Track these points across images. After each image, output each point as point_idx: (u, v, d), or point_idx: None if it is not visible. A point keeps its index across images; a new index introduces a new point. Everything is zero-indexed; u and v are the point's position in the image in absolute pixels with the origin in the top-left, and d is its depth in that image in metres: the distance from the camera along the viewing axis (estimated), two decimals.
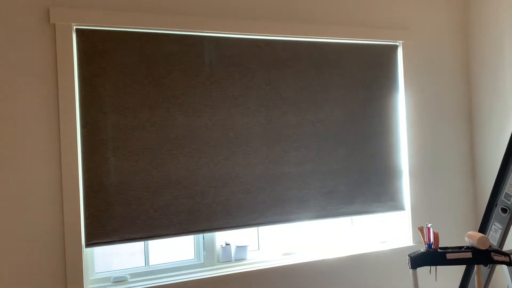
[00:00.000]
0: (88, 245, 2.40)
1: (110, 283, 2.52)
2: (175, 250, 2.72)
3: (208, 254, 2.73)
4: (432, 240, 2.16)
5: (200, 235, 2.73)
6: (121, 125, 2.45)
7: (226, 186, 2.65)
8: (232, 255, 2.81)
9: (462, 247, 2.18)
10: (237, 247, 2.80)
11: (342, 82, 2.95)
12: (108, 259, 2.59)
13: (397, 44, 3.14)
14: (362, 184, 2.99)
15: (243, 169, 2.69)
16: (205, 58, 2.62)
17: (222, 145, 2.64)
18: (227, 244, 2.78)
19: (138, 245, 2.64)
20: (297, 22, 2.82)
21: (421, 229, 2.20)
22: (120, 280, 2.54)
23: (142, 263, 2.65)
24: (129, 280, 2.57)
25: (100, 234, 2.41)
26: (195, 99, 2.59)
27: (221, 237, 2.82)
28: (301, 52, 2.85)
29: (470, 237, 2.18)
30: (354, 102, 2.98)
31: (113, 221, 2.43)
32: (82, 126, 2.39)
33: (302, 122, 2.83)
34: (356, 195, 2.97)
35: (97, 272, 2.57)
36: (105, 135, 2.42)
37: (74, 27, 2.38)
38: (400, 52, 3.14)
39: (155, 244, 2.68)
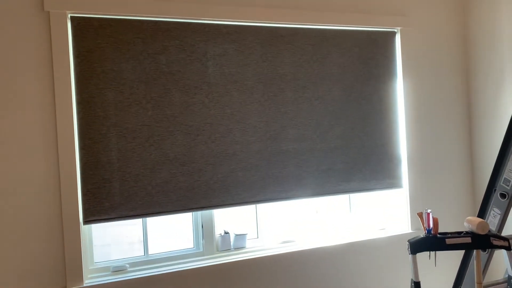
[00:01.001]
0: (86, 222, 2.39)
1: (109, 272, 2.53)
2: (174, 239, 2.70)
3: (207, 243, 2.74)
4: (431, 225, 2.17)
5: (199, 222, 2.73)
6: (117, 101, 2.44)
7: (224, 163, 2.64)
8: (231, 243, 2.82)
9: (461, 232, 2.20)
10: (236, 235, 2.80)
11: (340, 60, 2.93)
12: (107, 249, 2.60)
13: (395, 30, 3.11)
14: (360, 162, 2.99)
15: (240, 146, 2.68)
16: (202, 36, 2.59)
17: (219, 122, 2.63)
18: (226, 233, 2.78)
19: (137, 235, 2.63)
20: (293, 9, 2.79)
21: (420, 215, 2.21)
22: (119, 270, 2.54)
23: (141, 252, 2.65)
24: (129, 269, 2.57)
25: (98, 211, 2.41)
26: (191, 76, 2.57)
27: (220, 226, 2.82)
28: (298, 32, 2.82)
29: (469, 222, 2.19)
30: (352, 81, 2.96)
31: (110, 198, 2.43)
32: (78, 103, 2.37)
33: (300, 100, 2.82)
34: (354, 172, 2.97)
35: (96, 262, 2.57)
36: (101, 112, 2.41)
37: (69, 15, 2.35)
38: (398, 39, 3.12)
39: (154, 233, 2.67)
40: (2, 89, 2.25)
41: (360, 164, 2.99)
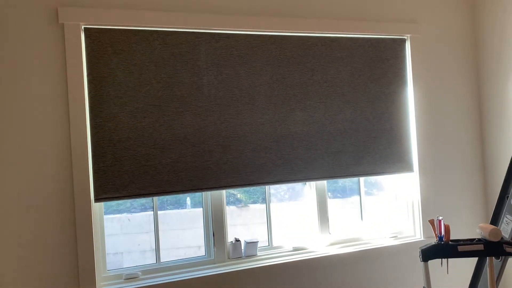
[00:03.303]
0: (97, 199, 2.43)
1: (122, 280, 2.55)
2: (185, 247, 2.72)
3: (219, 251, 2.75)
4: (443, 232, 2.15)
5: (211, 230, 2.73)
6: (127, 81, 2.48)
7: (233, 144, 2.67)
8: (243, 251, 2.81)
9: (473, 239, 2.17)
10: (247, 243, 2.79)
11: (348, 43, 2.95)
12: (119, 257, 2.61)
13: (405, 38, 3.12)
14: (370, 145, 2.98)
15: (249, 128, 2.70)
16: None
17: (229, 103, 2.66)
18: (237, 240, 2.78)
19: (149, 243, 2.64)
20: (302, 17, 2.81)
21: (432, 222, 2.19)
22: (132, 277, 2.56)
23: (153, 260, 2.66)
24: (141, 277, 2.59)
25: (109, 188, 2.45)
26: (200, 57, 2.61)
27: (231, 233, 2.82)
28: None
29: (482, 229, 2.16)
30: (361, 64, 2.98)
31: (121, 176, 2.46)
32: (90, 82, 2.42)
33: (309, 82, 2.84)
34: (364, 156, 2.97)
35: (108, 269, 2.59)
36: (113, 91, 2.46)
37: (83, 27, 2.42)
38: (408, 46, 3.12)
39: (165, 242, 2.68)
40: (14, 70, 2.32)
41: (370, 147, 2.98)
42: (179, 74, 2.57)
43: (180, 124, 2.57)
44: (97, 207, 2.54)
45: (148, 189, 2.51)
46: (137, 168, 2.49)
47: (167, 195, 2.57)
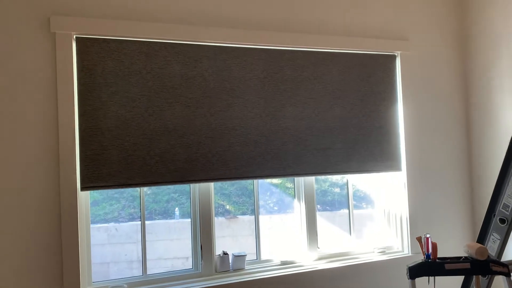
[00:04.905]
0: (84, 188, 2.40)
1: None
2: (173, 258, 2.69)
3: (206, 263, 2.71)
4: (430, 250, 2.17)
5: (198, 242, 2.70)
6: (117, 70, 2.47)
7: (223, 137, 2.65)
8: (230, 264, 2.77)
9: (460, 257, 2.19)
10: (235, 256, 2.75)
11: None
12: (105, 268, 2.57)
13: (395, 54, 3.14)
14: (359, 143, 2.98)
15: (239, 121, 2.69)
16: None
17: (219, 96, 2.66)
18: (225, 253, 2.75)
19: (136, 254, 2.60)
20: (291, 32, 2.81)
21: (419, 239, 2.21)
22: None
23: (139, 272, 2.62)
24: None
25: (96, 177, 2.41)
26: (191, 49, 2.61)
27: (219, 245, 2.78)
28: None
29: (469, 247, 2.19)
30: (351, 63, 3.00)
31: (109, 165, 2.43)
32: (79, 70, 2.41)
33: (299, 78, 2.84)
34: (353, 153, 2.96)
35: (94, 281, 2.54)
36: (102, 80, 2.44)
37: (74, 36, 2.42)
38: (398, 63, 3.14)
39: (152, 252, 2.64)
40: (3, 58, 2.31)
41: (359, 145, 2.98)
42: (170, 65, 2.57)
43: (170, 115, 2.55)
44: (83, 198, 2.50)
45: (136, 179, 2.48)
46: (124, 158, 2.46)
47: (155, 185, 2.54)
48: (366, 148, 3.00)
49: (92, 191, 2.56)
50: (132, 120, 2.49)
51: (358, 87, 3.00)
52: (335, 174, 2.92)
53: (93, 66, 2.44)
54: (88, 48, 2.43)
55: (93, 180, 2.41)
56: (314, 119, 2.87)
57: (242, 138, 2.69)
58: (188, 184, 2.71)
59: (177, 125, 2.56)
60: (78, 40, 2.41)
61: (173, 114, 2.56)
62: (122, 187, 2.47)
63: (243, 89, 2.71)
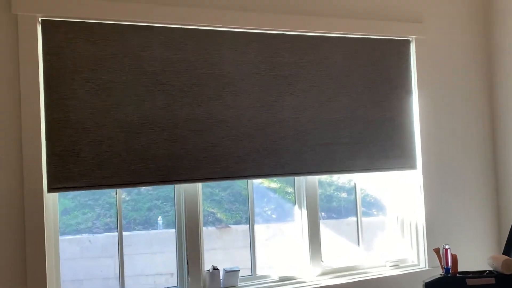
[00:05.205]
0: (51, 189, 2.15)
1: None
2: (155, 275, 2.55)
3: (193, 280, 2.44)
4: (450, 263, 2.10)
5: (184, 256, 2.46)
6: (89, 53, 2.22)
7: (212, 130, 2.42)
8: (221, 281, 2.52)
9: (484, 271, 2.14)
10: (227, 271, 2.52)
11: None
12: (77, 286, 2.43)
13: (409, 39, 2.89)
14: (367, 137, 2.75)
15: (231, 112, 2.46)
16: None
17: (207, 83, 2.42)
18: (215, 269, 2.50)
19: (113, 269, 2.42)
20: (296, 15, 2.58)
21: (437, 251, 2.13)
22: None
23: None
24: None
25: (65, 177, 2.16)
26: (175, 29, 2.38)
27: (209, 259, 2.56)
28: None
29: (493, 260, 2.14)
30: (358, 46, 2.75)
31: (80, 163, 2.19)
32: (45, 53, 2.16)
33: (300, 63, 2.61)
34: (361, 149, 2.73)
35: None
36: (72, 64, 2.19)
37: (40, 19, 2.17)
38: (412, 49, 2.90)
39: (131, 268, 2.45)
40: None
41: (368, 139, 2.75)
42: (150, 47, 2.32)
43: (150, 105, 2.31)
44: (50, 200, 2.25)
45: (111, 180, 2.23)
46: (98, 155, 2.22)
47: (133, 186, 2.32)
48: (376, 143, 2.77)
49: (62, 198, 2.35)
50: (106, 111, 2.24)
51: (366, 72, 2.77)
52: (341, 173, 2.72)
53: (61, 49, 2.17)
54: (56, 27, 2.17)
55: (62, 180, 2.16)
56: (317, 110, 2.64)
57: (234, 132, 2.46)
58: (173, 189, 2.50)
59: (159, 116, 2.33)
60: (44, 22, 2.16)
61: (154, 104, 2.32)
62: (95, 188, 2.23)
63: (235, 75, 2.47)
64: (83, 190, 2.20)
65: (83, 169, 2.18)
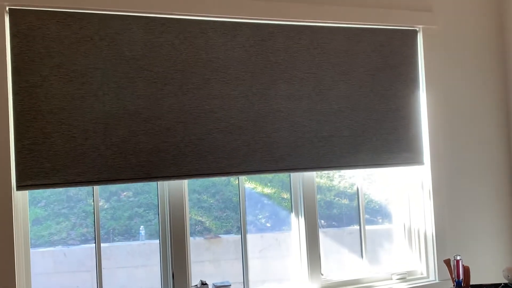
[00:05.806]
0: (20, 187, 2.00)
1: None
2: None
3: None
4: (461, 276, 2.08)
5: (169, 269, 2.33)
6: (62, 36, 2.06)
7: (198, 122, 2.27)
8: None
9: (499, 284, 2.13)
10: (216, 286, 2.40)
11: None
12: None
13: (416, 29, 2.75)
14: (370, 129, 2.61)
15: (220, 101, 2.31)
16: None
17: (193, 70, 2.26)
18: (203, 283, 2.39)
19: (90, 285, 2.27)
20: (296, 2, 2.43)
21: (447, 263, 2.09)
22: None
23: None
24: None
25: (36, 173, 2.01)
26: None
27: (196, 273, 2.45)
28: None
29: (509, 271, 2.12)
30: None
31: (53, 158, 2.03)
32: (13, 35, 2.00)
33: (295, 47, 2.46)
34: (363, 142, 2.59)
35: None
36: (43, 49, 2.03)
37: (7, 8, 2.02)
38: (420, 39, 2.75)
39: (110, 283, 2.32)
40: None
41: (370, 131, 2.61)
42: (130, 30, 2.16)
43: (130, 93, 2.16)
44: (20, 205, 2.11)
45: (87, 176, 2.08)
46: (72, 148, 2.07)
47: (112, 183, 2.15)
48: (380, 136, 2.62)
49: (33, 207, 2.20)
50: (82, 100, 2.09)
51: (369, 58, 2.62)
52: (341, 169, 2.58)
53: (31, 31, 2.01)
54: (25, 13, 2.02)
55: (32, 176, 2.00)
56: (314, 99, 2.50)
57: (223, 123, 2.32)
58: (156, 195, 2.35)
59: (140, 106, 2.18)
60: (11, 11, 2.01)
61: (134, 93, 2.17)
62: (70, 186, 2.08)
63: (224, 60, 2.33)
64: (56, 187, 2.05)
65: (56, 165, 2.03)
